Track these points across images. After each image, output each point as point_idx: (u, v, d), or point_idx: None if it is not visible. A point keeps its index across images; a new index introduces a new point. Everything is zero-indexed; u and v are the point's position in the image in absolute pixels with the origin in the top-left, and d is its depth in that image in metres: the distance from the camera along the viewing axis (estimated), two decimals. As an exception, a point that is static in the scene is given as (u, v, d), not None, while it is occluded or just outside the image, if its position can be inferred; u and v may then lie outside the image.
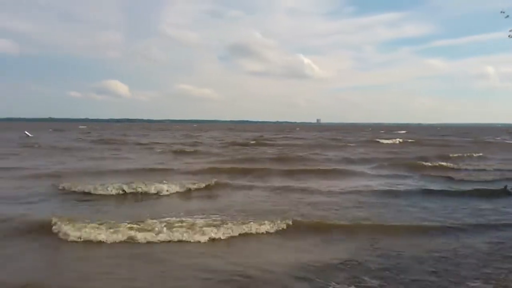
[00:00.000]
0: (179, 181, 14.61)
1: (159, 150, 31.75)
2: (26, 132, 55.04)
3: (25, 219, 9.50)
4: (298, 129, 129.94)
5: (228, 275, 6.55)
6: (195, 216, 9.94)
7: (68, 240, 8.21)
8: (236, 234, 8.62)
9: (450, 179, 17.14)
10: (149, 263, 7.14)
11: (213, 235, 8.42)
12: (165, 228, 8.69)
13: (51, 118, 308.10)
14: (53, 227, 8.68)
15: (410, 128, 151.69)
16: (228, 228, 8.72)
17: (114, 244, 8.07)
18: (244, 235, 8.64)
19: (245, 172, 18.61)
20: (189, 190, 13.83)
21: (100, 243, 8.09)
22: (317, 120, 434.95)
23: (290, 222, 9.29)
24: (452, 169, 20.72)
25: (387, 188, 14.69)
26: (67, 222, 8.78)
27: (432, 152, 30.77)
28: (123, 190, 13.24)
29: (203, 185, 14.36)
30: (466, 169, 20.70)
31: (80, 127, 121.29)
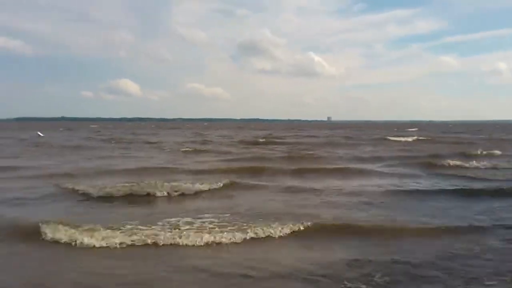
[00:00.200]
0: (189, 181, 14.39)
1: (168, 149, 31.68)
2: (38, 133, 55.84)
3: (14, 222, 9.26)
4: (308, 127, 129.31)
5: (240, 279, 6.40)
6: (205, 217, 9.76)
7: (52, 242, 8.03)
8: (250, 237, 8.34)
9: (464, 177, 16.75)
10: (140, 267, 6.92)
11: (221, 239, 8.14)
12: (170, 230, 8.49)
13: (64, 118, 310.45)
14: (41, 230, 8.38)
15: (422, 126, 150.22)
16: (240, 231, 8.46)
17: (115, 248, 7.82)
18: (258, 239, 8.34)
19: (255, 171, 18.34)
20: (201, 190, 13.43)
21: (94, 248, 7.82)
22: (328, 118, 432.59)
23: (309, 224, 8.99)
24: (467, 167, 20.20)
25: (401, 187, 14.34)
26: (55, 226, 8.48)
27: (445, 150, 30.24)
28: (130, 191, 12.93)
29: (213, 186, 13.94)
30: (480, 167, 20.19)
31: (91, 126, 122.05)
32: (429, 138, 48.77)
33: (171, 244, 7.94)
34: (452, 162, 21.24)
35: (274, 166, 20.35)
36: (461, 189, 13.83)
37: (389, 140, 45.80)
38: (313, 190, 13.65)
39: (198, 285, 6.25)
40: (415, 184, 15.09)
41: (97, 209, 11.22)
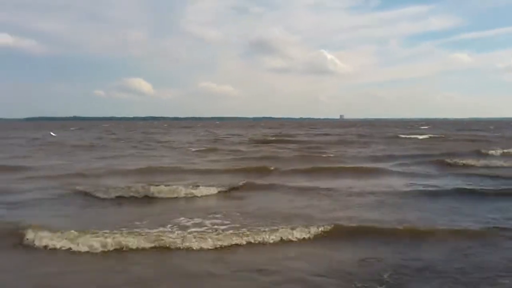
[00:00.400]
0: (201, 182, 14.20)
1: (179, 148, 31.63)
2: (51, 133, 56.52)
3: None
4: (320, 125, 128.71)
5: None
6: (217, 219, 9.60)
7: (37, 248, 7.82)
8: (263, 240, 8.08)
9: (479, 176, 16.31)
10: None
11: (230, 242, 7.91)
12: (178, 234, 8.28)
13: (76, 117, 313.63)
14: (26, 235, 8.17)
15: (436, 123, 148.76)
16: (253, 234, 8.19)
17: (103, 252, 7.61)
18: (270, 243, 8.06)
19: (267, 171, 18.01)
20: (216, 192, 13.15)
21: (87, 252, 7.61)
22: (341, 116, 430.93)
23: (324, 227, 8.65)
24: (482, 166, 19.65)
25: (414, 187, 13.95)
26: (41, 230, 8.23)
27: (460, 148, 29.63)
28: (137, 192, 12.73)
29: (224, 188, 13.56)
30: (496, 166, 19.63)
31: (103, 125, 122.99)
32: (443, 136, 48.05)
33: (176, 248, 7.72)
34: (466, 161, 20.66)
35: (285, 165, 19.99)
36: (475, 188, 13.42)
37: (402, 138, 45.19)
38: (326, 190, 13.33)
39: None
40: (428, 183, 14.69)
41: (103, 211, 11.05)
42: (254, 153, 27.27)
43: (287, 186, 14.26)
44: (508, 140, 39.18)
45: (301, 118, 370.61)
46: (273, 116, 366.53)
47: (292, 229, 8.46)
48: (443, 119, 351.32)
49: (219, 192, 13.24)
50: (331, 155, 25.74)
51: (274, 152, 27.56)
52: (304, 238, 8.26)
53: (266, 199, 12.45)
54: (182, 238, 7.93)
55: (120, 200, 12.26)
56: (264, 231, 8.35)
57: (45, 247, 7.79)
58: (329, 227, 8.67)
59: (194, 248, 7.69)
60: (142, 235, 8.09)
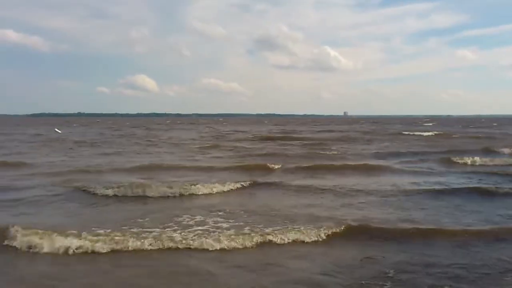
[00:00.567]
0: (203, 180, 14.05)
1: (182, 145, 31.54)
2: (56, 129, 56.59)
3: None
4: (324, 122, 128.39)
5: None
6: (220, 219, 9.48)
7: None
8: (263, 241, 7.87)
9: (483, 174, 16.11)
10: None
11: (235, 244, 7.71)
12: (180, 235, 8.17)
13: (80, 113, 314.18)
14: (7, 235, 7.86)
15: (441, 120, 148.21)
16: (258, 235, 7.99)
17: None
18: (276, 244, 7.87)
19: (274, 169, 17.82)
20: (216, 192, 12.86)
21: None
22: (344, 112, 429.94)
23: (340, 228, 8.47)
24: (487, 164, 19.42)
25: (419, 186, 13.76)
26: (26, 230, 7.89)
27: (465, 145, 29.52)
28: (143, 191, 12.47)
29: (227, 186, 13.26)
30: (502, 164, 19.38)
31: (107, 122, 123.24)
32: (448, 133, 47.76)
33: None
34: (472, 159, 20.34)
35: (291, 162, 19.85)
36: (481, 187, 13.21)
37: (406, 135, 44.96)
38: (331, 189, 13.14)
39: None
40: (432, 182, 14.50)
41: (103, 209, 10.90)
42: (258, 150, 27.15)
43: (292, 185, 14.05)
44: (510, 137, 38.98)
45: (305, 115, 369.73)
46: (276, 112, 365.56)
47: (301, 229, 8.29)
48: (447, 116, 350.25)
49: (223, 191, 13.01)
50: (337, 152, 25.62)
51: (280, 149, 27.44)
52: (314, 241, 8.03)
53: (272, 197, 12.25)
54: (193, 239, 7.78)
55: (119, 198, 12.09)
56: (273, 232, 8.13)
57: (29, 247, 7.48)
58: (339, 228, 8.47)
59: (208, 248, 7.53)
60: (143, 236, 8.01)
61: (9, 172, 16.52)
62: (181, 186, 12.84)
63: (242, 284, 6.15)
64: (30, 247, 7.48)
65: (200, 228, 8.61)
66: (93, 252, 7.35)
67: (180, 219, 9.38)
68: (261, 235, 8.00)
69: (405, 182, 14.55)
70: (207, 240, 7.73)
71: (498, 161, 20.22)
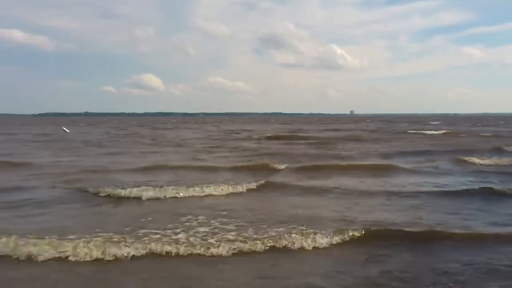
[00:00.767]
0: (210, 181, 13.87)
1: (188, 145, 31.53)
2: (64, 128, 56.67)
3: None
4: (331, 120, 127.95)
5: None
6: (228, 223, 9.32)
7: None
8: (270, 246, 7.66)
9: (499, 174, 15.88)
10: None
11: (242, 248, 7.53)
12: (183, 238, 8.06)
13: (87, 113, 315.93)
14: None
15: (448, 118, 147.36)
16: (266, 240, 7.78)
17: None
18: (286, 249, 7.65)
19: (279, 169, 17.55)
20: (229, 192, 12.60)
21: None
22: (351, 111, 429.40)
23: (347, 231, 8.23)
24: (496, 164, 19.06)
25: (431, 187, 13.55)
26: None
27: (474, 144, 29.18)
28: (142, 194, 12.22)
29: (237, 189, 12.91)
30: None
31: (113, 121, 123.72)
32: (456, 132, 47.39)
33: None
34: (481, 158, 20.07)
35: (296, 162, 19.70)
36: (491, 187, 12.87)
37: (413, 133, 44.64)
38: (337, 189, 12.98)
39: None
40: (441, 182, 14.28)
41: (108, 211, 10.79)
42: (265, 149, 26.99)
43: (298, 185, 13.87)
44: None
45: (311, 114, 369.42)
46: (283, 111, 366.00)
47: (306, 231, 8.15)
48: (455, 114, 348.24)
49: (231, 193, 12.69)
50: (344, 151, 25.44)
51: (286, 149, 27.29)
52: (320, 243, 7.81)
53: (277, 198, 12.09)
54: (202, 245, 7.55)
55: (126, 199, 11.87)
56: (280, 236, 7.96)
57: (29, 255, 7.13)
58: (346, 230, 8.25)
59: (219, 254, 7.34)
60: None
61: (17, 173, 16.52)
62: (186, 188, 12.56)
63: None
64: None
65: (203, 229, 8.46)
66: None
67: (183, 218, 9.28)
68: (267, 238, 7.83)
69: (413, 182, 14.39)
70: (212, 241, 7.64)
71: (507, 160, 19.88)
